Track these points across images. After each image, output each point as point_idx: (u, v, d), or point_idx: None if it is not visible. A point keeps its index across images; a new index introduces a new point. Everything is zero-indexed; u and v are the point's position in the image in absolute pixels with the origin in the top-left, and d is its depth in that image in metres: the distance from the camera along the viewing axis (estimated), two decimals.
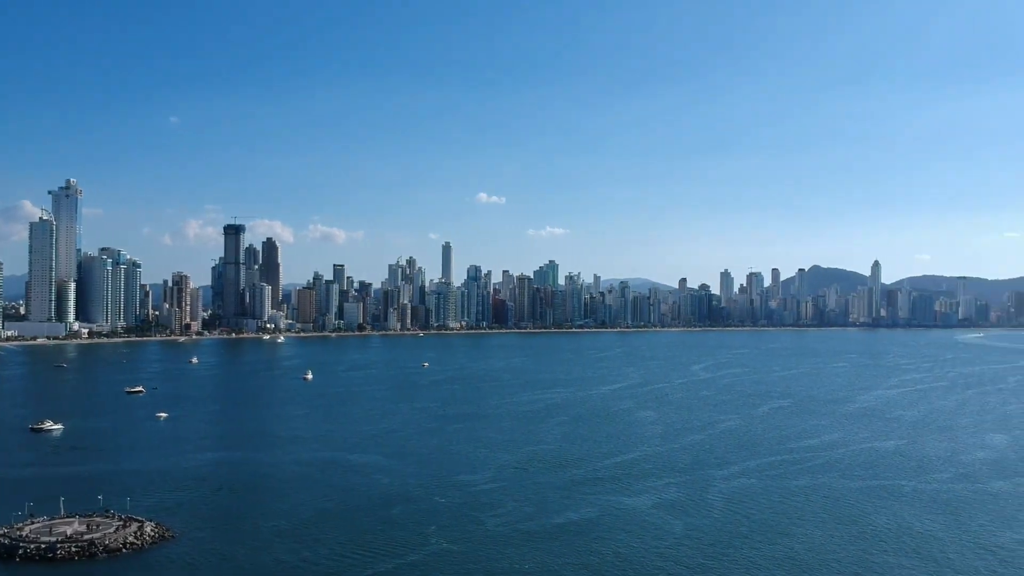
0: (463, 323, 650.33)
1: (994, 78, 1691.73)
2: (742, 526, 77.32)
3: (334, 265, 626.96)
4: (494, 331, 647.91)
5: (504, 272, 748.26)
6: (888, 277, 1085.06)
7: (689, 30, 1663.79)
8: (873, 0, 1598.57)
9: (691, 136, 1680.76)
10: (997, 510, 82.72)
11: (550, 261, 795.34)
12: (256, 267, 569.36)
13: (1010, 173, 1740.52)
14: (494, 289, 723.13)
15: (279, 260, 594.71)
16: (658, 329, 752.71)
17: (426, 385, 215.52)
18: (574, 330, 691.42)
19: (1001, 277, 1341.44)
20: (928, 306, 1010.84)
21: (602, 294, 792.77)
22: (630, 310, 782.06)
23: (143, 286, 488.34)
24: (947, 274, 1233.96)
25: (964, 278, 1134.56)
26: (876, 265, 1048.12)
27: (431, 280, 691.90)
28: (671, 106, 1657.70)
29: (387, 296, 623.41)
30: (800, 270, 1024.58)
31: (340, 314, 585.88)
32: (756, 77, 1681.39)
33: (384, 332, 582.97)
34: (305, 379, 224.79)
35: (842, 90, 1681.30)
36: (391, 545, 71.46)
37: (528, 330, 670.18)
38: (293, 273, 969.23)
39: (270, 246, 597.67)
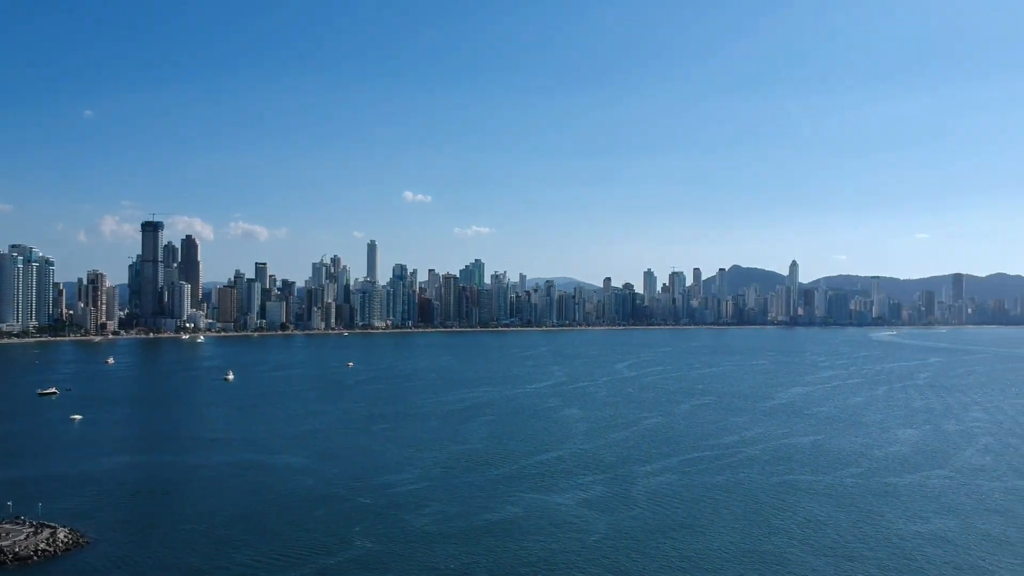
0: (389, 322, 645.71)
1: (904, 83, 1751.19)
2: (664, 522, 78.49)
3: (256, 263, 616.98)
4: (420, 330, 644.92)
5: (430, 271, 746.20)
6: (805, 277, 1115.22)
7: (613, 32, 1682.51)
8: (786, 5, 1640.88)
9: (615, 136, 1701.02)
10: (905, 504, 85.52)
11: (476, 260, 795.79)
12: (175, 265, 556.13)
13: (920, 176, 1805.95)
14: (420, 288, 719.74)
15: (199, 258, 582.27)
16: (583, 328, 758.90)
17: (351, 385, 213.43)
18: (500, 329, 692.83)
19: (912, 277, 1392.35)
20: (843, 305, 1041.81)
21: (528, 293, 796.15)
22: (555, 309, 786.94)
23: (56, 285, 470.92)
24: (862, 274, 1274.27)
25: (877, 278, 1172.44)
26: (794, 265, 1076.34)
27: (356, 279, 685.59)
28: (595, 106, 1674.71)
29: (311, 295, 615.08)
30: (721, 270, 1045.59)
31: (262, 313, 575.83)
32: (678, 79, 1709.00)
33: (308, 332, 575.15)
34: (226, 379, 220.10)
35: (761, 93, 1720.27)
36: (313, 548, 70.49)
37: (454, 329, 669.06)
38: (214, 271, 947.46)
39: (189, 244, 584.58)
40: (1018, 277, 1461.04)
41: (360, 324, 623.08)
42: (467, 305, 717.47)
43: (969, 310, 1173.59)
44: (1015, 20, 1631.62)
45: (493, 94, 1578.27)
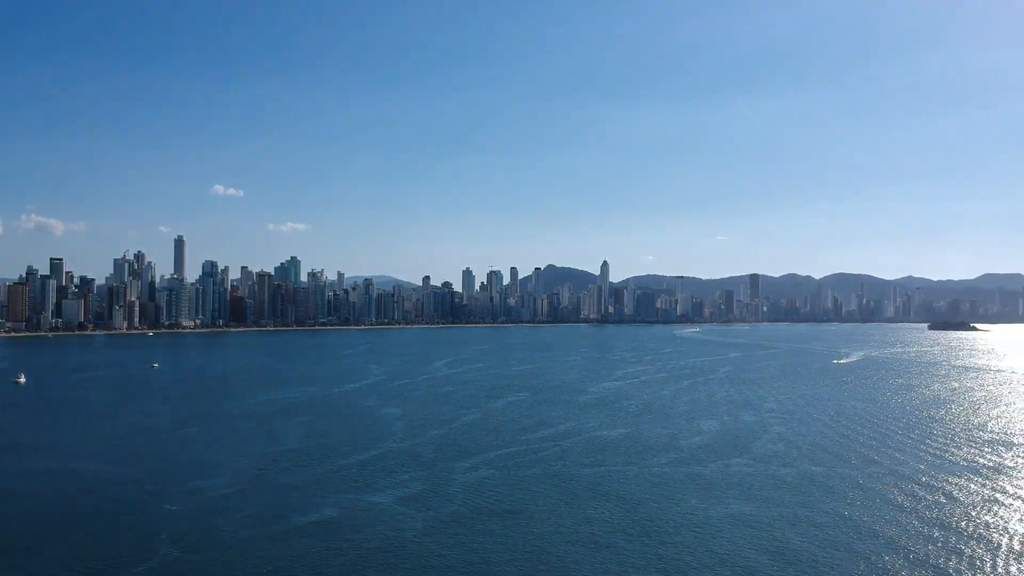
0: (198, 321, 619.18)
1: (706, 93, 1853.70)
2: (481, 514, 79.34)
3: (51, 259, 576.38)
4: (232, 329, 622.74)
5: (243, 268, 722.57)
6: (616, 276, 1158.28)
7: (435, 30, 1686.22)
8: (601, 13, 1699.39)
9: (434, 135, 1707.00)
10: (708, 489, 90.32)
11: (292, 257, 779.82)
12: None
13: (721, 181, 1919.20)
14: (232, 286, 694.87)
15: None
16: (402, 326, 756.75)
17: (157, 387, 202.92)
18: (317, 328, 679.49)
19: (714, 277, 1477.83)
20: (651, 303, 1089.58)
21: (346, 291, 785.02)
22: (374, 307, 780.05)
23: None
24: (667, 274, 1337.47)
25: (682, 278, 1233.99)
26: (605, 265, 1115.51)
27: (162, 276, 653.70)
28: (414, 104, 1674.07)
29: (112, 293, 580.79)
30: (537, 269, 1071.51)
31: (58, 312, 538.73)
32: (496, 81, 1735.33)
33: (109, 331, 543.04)
34: (17, 382, 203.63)
35: (576, 97, 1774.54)
36: (115, 559, 66.38)
37: (269, 328, 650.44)
38: (3, 267, 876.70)
39: None
40: (808, 278, 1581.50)
41: (167, 323, 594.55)
42: (282, 303, 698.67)
43: (764, 308, 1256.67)
44: (814, 36, 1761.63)
45: (311, 88, 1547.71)
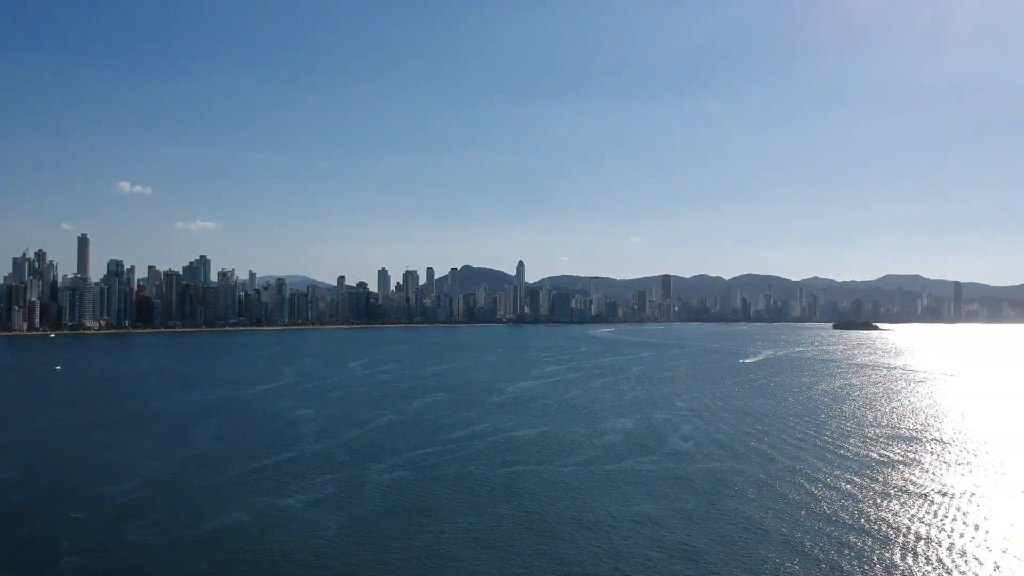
0: (103, 322, 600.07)
1: (621, 96, 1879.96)
2: (395, 516, 79.33)
3: None
4: (139, 330, 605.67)
5: (150, 267, 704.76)
6: (531, 277, 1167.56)
7: (350, 28, 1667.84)
8: (516, 18, 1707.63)
9: (347, 134, 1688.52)
10: (619, 488, 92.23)
11: (201, 256, 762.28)
12: None
13: (634, 184, 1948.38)
14: (139, 286, 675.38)
15: None
16: (316, 327, 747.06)
17: (60, 390, 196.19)
18: (228, 329, 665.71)
19: (627, 277, 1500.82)
20: (566, 304, 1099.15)
21: (258, 291, 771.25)
22: (287, 308, 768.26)
23: None
24: (582, 274, 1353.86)
25: (596, 278, 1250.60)
26: (521, 265, 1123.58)
27: (65, 275, 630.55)
28: (327, 103, 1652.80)
29: (11, 292, 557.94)
30: (453, 269, 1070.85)
31: None
32: (410, 81, 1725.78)
33: (8, 333, 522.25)
34: None
35: (490, 98, 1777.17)
36: (16, 569, 64.31)
37: (177, 329, 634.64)
38: None
39: None
40: (718, 278, 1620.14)
41: (69, 324, 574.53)
42: (191, 304, 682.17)
43: (676, 308, 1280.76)
44: (725, 43, 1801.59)
45: (220, 84, 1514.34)
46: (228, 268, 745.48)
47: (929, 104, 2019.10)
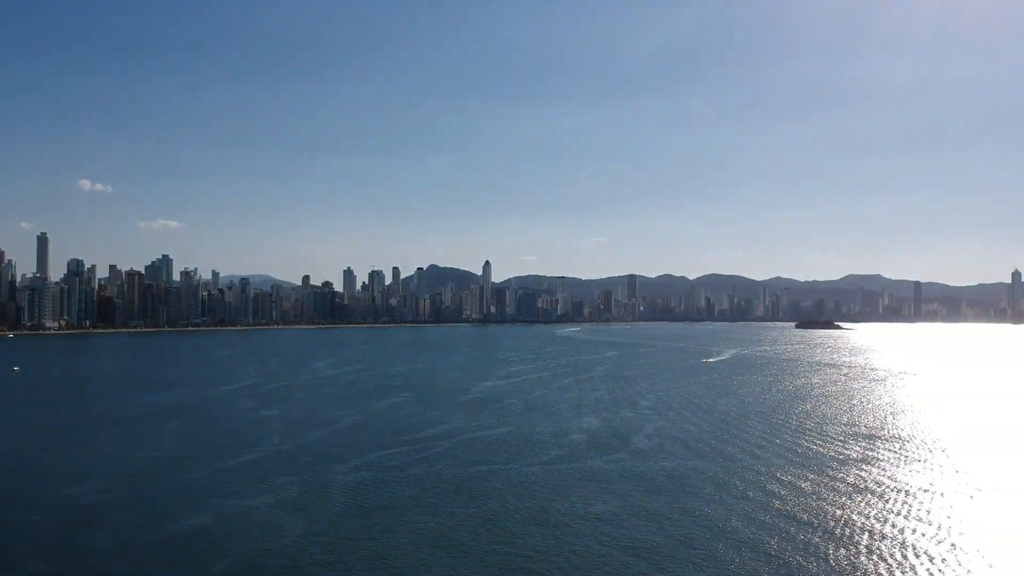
0: (63, 322, 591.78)
1: (587, 97, 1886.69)
2: (360, 518, 79.08)
3: None
4: (100, 331, 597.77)
5: (111, 267, 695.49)
6: (498, 276, 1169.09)
7: (311, 25, 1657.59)
8: (484, 16, 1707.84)
9: (313, 133, 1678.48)
10: (586, 487, 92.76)
11: (164, 255, 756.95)
12: None
13: (600, 184, 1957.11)
14: (100, 285, 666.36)
15: None
16: (281, 327, 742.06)
17: (19, 391, 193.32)
18: (191, 329, 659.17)
19: (593, 277, 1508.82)
20: (532, 303, 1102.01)
21: (221, 291, 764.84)
22: (251, 307, 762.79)
23: None
24: (548, 274, 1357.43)
25: (562, 278, 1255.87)
26: (487, 265, 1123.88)
27: (24, 275, 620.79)
28: (292, 101, 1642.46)
29: None
30: (419, 269, 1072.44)
31: None
32: (375, 80, 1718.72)
33: None
34: None
35: (456, 98, 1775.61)
36: None
37: (139, 329, 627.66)
38: None
39: None
40: (683, 278, 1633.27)
41: (28, 324, 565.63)
42: (153, 304, 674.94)
43: (641, 308, 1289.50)
44: (689, 44, 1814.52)
45: (183, 81, 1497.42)
46: (191, 267, 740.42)
47: (892, 105, 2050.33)
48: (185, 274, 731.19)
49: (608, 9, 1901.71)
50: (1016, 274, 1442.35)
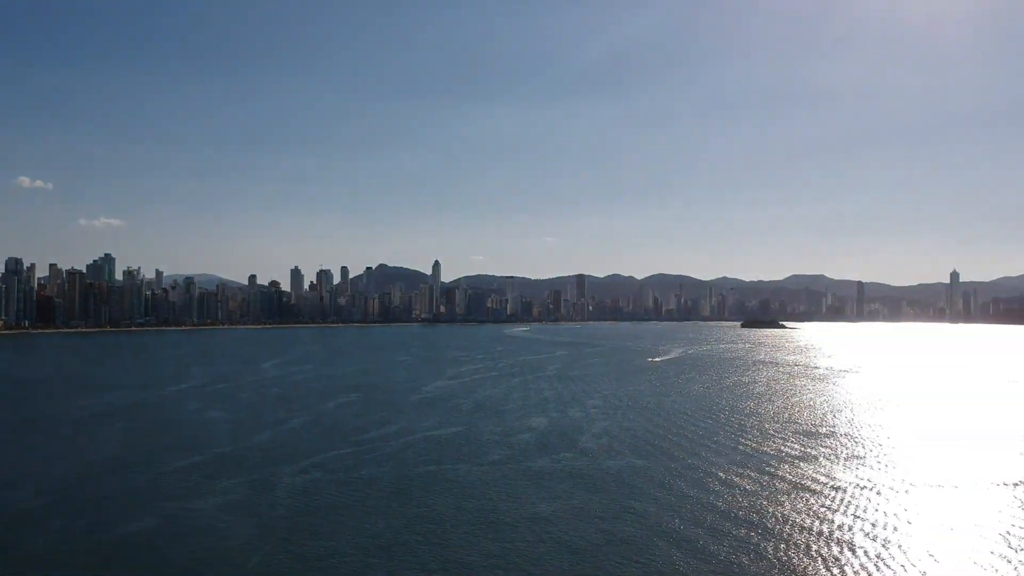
0: (1, 322, 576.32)
1: (535, 97, 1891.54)
2: (308, 520, 78.61)
3: None
4: (40, 331, 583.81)
5: (51, 266, 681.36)
6: (447, 276, 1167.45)
7: (263, 22, 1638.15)
8: (433, 15, 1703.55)
9: (258, 130, 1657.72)
10: (539, 484, 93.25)
11: (106, 254, 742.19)
12: None
13: (549, 184, 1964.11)
14: (39, 284, 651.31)
15: None
16: (227, 327, 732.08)
17: None
18: (134, 329, 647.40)
19: (542, 277, 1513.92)
20: (481, 303, 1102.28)
21: (165, 290, 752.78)
22: (196, 307, 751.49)
23: None
24: (498, 274, 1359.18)
25: (512, 277, 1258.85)
26: (436, 265, 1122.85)
27: None
28: (237, 97, 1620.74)
29: None
30: (368, 268, 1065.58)
31: None
32: (325, 77, 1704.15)
33: None
34: None
35: (407, 97, 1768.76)
36: None
37: (80, 329, 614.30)
38: None
39: None
40: (631, 278, 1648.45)
41: None
42: (95, 303, 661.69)
43: (590, 307, 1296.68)
44: (635, 48, 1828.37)
45: (127, 76, 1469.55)
46: (134, 266, 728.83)
47: (838, 108, 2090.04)
48: (128, 273, 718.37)
49: (562, 11, 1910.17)
50: (954, 274, 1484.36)
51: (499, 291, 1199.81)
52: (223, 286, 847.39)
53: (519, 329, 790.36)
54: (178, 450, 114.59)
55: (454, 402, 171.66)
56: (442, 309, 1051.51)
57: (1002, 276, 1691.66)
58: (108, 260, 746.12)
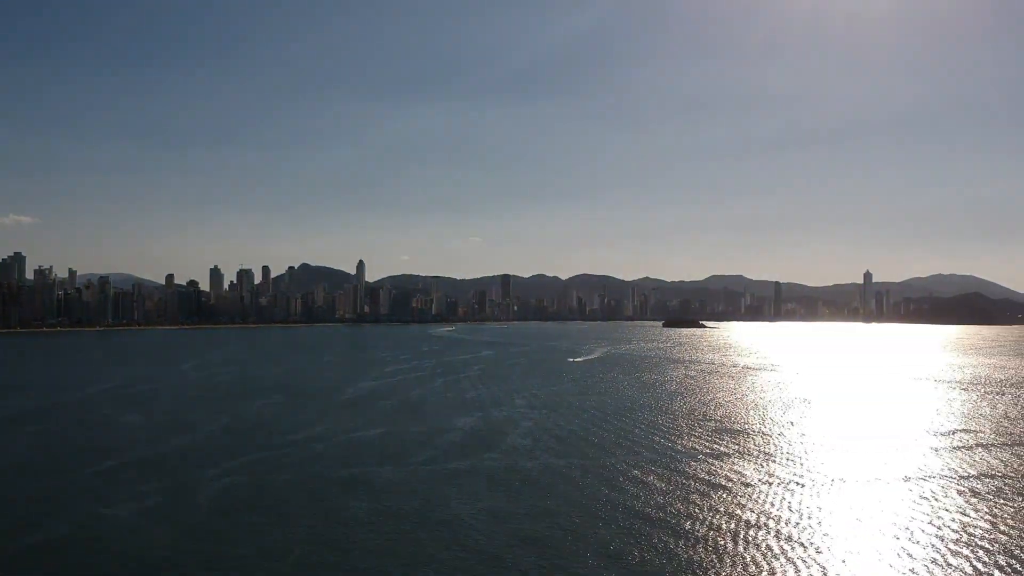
0: None
1: (456, 96, 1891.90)
2: (229, 523, 78.08)
3: None
4: None
5: None
6: (372, 276, 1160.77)
7: (185, 16, 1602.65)
8: (363, 12, 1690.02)
9: (175, 126, 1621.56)
10: (463, 486, 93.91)
11: (16, 253, 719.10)
12: None
13: (474, 184, 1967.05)
14: None
15: None
16: (143, 327, 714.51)
17: None
18: (45, 330, 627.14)
19: (467, 277, 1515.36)
20: (407, 303, 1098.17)
21: (78, 290, 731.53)
22: (111, 307, 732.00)
23: None
24: (423, 273, 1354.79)
25: (437, 277, 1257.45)
26: (361, 264, 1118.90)
27: None
28: (152, 91, 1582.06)
29: None
30: (290, 268, 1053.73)
31: None
32: (250, 72, 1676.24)
33: None
34: None
35: (331, 94, 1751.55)
36: None
37: None
38: None
39: None
40: (555, 278, 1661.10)
41: None
42: (5, 304, 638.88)
43: (515, 307, 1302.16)
44: (560, 49, 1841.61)
45: (37, 69, 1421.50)
46: (45, 265, 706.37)
47: (755, 111, 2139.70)
48: (39, 272, 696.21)
49: (490, 13, 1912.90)
50: (867, 275, 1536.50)
51: (424, 291, 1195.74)
52: (139, 286, 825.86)
53: (445, 329, 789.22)
54: (93, 454, 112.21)
55: (379, 403, 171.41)
56: (367, 309, 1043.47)
57: (912, 276, 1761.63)
58: (18, 259, 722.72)
